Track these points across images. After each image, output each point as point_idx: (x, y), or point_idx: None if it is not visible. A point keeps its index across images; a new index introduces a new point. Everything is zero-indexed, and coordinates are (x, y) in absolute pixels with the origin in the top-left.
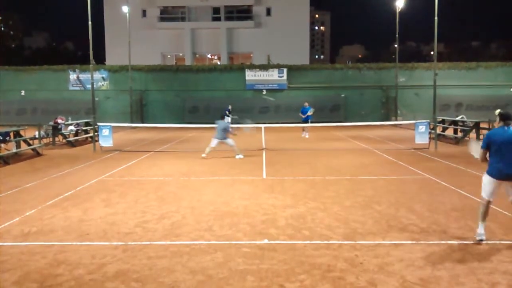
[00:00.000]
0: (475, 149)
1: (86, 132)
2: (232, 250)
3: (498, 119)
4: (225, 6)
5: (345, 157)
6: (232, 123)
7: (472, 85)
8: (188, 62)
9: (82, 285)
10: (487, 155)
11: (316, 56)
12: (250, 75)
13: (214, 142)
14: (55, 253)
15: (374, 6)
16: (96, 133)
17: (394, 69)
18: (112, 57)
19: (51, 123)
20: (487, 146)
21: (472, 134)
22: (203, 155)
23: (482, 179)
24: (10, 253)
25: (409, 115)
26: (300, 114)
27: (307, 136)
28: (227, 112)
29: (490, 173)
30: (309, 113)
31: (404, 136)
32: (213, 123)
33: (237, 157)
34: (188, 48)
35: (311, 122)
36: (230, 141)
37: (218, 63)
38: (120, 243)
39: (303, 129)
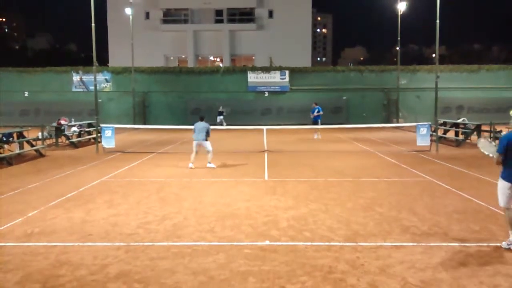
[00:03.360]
0: (487, 147)
1: (89, 133)
2: (234, 251)
3: None
4: (228, 9)
5: (347, 159)
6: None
7: (474, 87)
8: (190, 64)
9: (84, 286)
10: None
11: (318, 59)
12: (252, 77)
13: (193, 144)
14: (58, 254)
15: (376, 8)
16: (99, 134)
17: (396, 71)
18: (115, 59)
19: (54, 124)
20: (505, 150)
21: (474, 137)
22: (191, 165)
23: (498, 186)
24: (12, 253)
25: (411, 118)
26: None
27: (319, 138)
28: (220, 112)
29: (504, 177)
30: (315, 113)
31: (406, 138)
32: (215, 125)
33: (208, 165)
34: (190, 50)
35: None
36: (208, 144)
37: (221, 65)
38: (122, 244)
39: (315, 130)
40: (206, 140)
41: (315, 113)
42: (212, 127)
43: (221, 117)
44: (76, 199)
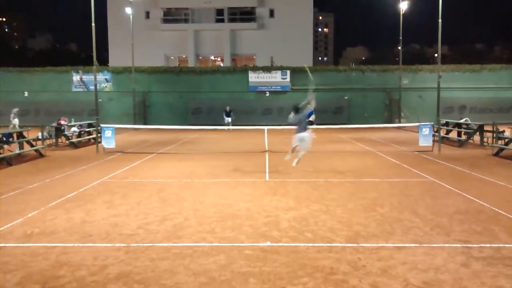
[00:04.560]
0: None
1: (89, 133)
2: (235, 252)
3: None
4: (229, 8)
5: (348, 159)
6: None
7: (476, 87)
8: (191, 63)
9: (84, 287)
10: None
11: (320, 58)
12: (253, 77)
13: (295, 139)
14: (58, 255)
15: (377, 8)
16: (99, 135)
17: (398, 71)
18: (115, 58)
19: (54, 124)
20: None
21: (476, 137)
22: (295, 164)
23: None
24: (12, 254)
25: (413, 118)
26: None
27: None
28: (226, 113)
29: None
30: (312, 118)
31: (408, 139)
32: (216, 125)
33: (290, 159)
34: (191, 50)
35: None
36: (310, 138)
37: (221, 64)
38: (122, 244)
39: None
40: (307, 129)
41: (312, 117)
42: (216, 127)
43: (229, 119)
44: (76, 199)
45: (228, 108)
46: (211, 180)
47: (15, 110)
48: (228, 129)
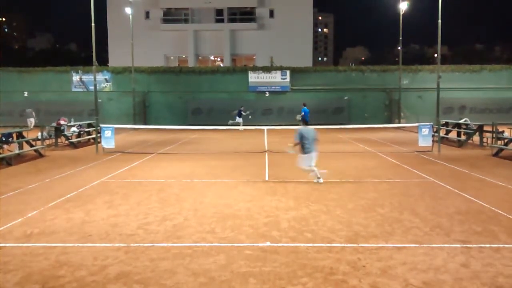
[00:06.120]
0: None
1: (89, 133)
2: (235, 252)
3: None
4: (228, 8)
5: (348, 159)
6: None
7: (476, 88)
8: (191, 64)
9: (84, 287)
10: None
11: (319, 58)
12: (253, 77)
13: (308, 158)
14: (57, 255)
15: (377, 8)
16: (98, 135)
17: (398, 71)
18: (115, 58)
19: (54, 124)
20: None
21: (476, 137)
22: (319, 180)
23: None
24: (12, 254)
25: (413, 118)
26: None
27: None
28: (241, 113)
29: None
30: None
31: (407, 139)
32: (217, 125)
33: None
34: (191, 50)
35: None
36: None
37: (221, 65)
38: (122, 244)
39: None
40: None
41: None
42: (223, 127)
43: (240, 119)
44: (76, 199)
45: (243, 108)
46: (211, 180)
47: (29, 110)
48: (238, 129)
